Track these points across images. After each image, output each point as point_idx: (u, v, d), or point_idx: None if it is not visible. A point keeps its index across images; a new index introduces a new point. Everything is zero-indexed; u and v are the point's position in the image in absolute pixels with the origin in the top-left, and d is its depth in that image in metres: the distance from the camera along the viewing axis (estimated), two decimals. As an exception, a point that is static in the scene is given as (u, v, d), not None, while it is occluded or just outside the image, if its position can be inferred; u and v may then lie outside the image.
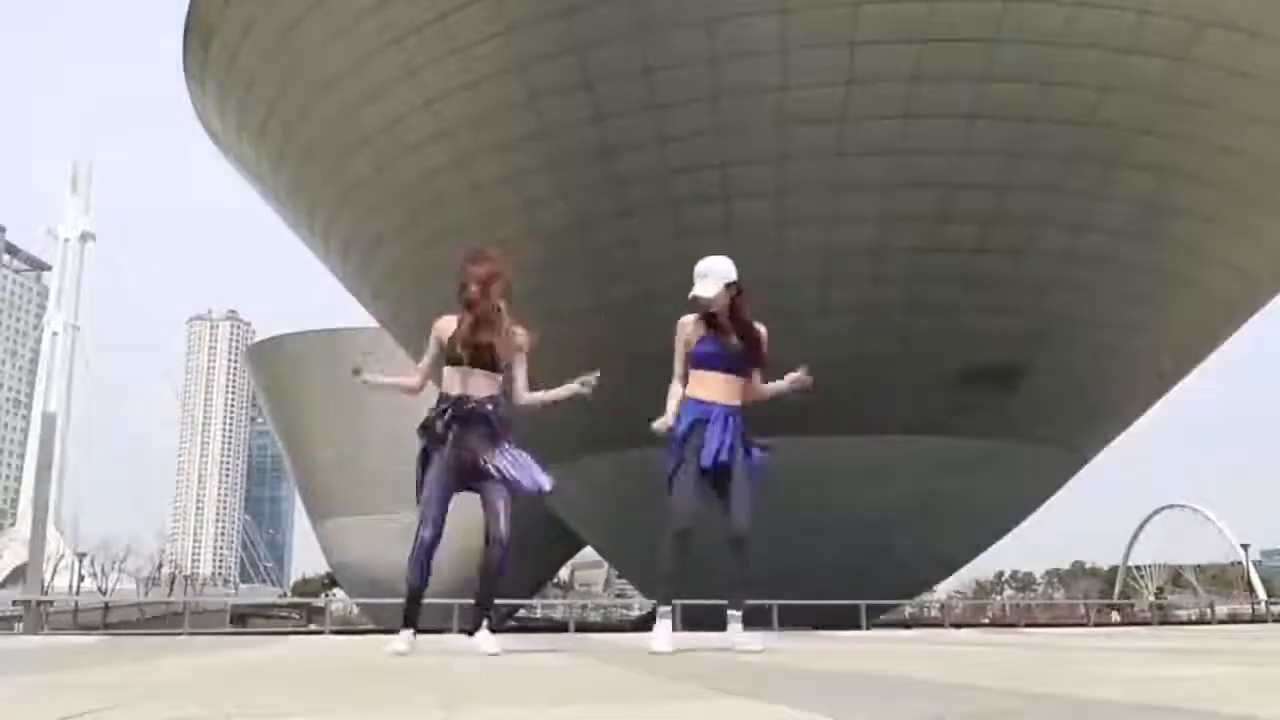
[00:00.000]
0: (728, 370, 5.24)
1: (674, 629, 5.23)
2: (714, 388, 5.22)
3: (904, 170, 20.90)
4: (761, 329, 5.31)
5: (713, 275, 5.17)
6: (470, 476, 5.19)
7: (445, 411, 5.17)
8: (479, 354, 5.17)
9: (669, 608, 5.13)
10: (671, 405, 5.25)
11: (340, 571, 64.49)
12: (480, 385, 5.20)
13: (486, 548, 5.19)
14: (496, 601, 5.40)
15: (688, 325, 5.27)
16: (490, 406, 5.19)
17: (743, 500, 5.18)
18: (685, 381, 5.28)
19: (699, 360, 5.24)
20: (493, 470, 5.12)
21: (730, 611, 5.28)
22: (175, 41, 26.24)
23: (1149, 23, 19.40)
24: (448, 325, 5.25)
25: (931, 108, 20.13)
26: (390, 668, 4.19)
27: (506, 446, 5.18)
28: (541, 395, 5.46)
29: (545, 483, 5.20)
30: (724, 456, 5.09)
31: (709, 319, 5.23)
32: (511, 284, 5.32)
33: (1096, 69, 19.86)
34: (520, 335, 5.33)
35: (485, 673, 3.78)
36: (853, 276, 22.24)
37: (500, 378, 5.28)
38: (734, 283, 5.20)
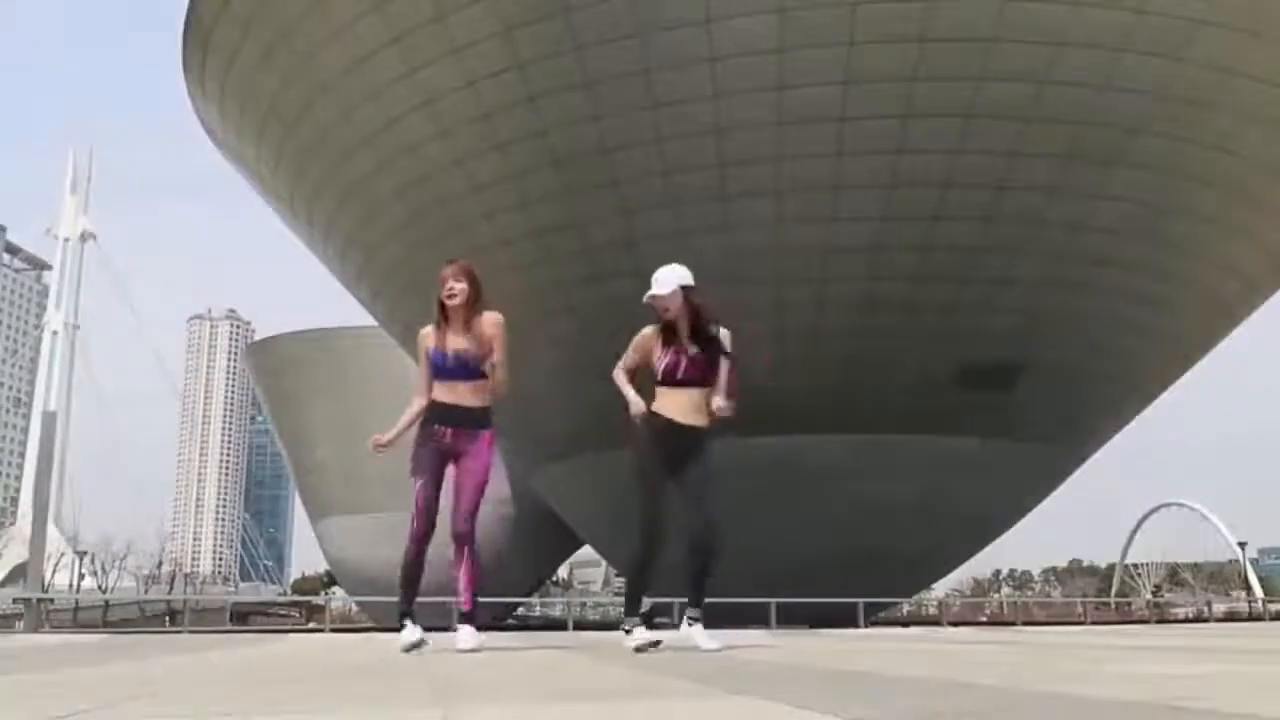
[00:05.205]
0: (690, 384, 5.10)
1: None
2: (680, 406, 5.09)
3: (902, 169, 20.90)
4: (723, 331, 5.17)
5: (665, 281, 5.06)
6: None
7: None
8: (460, 362, 5.14)
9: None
10: (629, 391, 5.15)
11: (339, 570, 64.44)
12: (465, 397, 5.20)
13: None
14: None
15: (647, 335, 5.17)
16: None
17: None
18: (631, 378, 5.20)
19: (664, 374, 5.10)
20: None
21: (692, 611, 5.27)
22: (175, 41, 26.25)
23: (1147, 22, 19.41)
24: (428, 336, 5.24)
25: (929, 107, 20.14)
26: (389, 666, 4.20)
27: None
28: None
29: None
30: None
31: (668, 330, 5.10)
32: (480, 287, 5.24)
33: (1095, 69, 19.86)
34: (489, 321, 5.19)
35: (483, 671, 3.78)
36: (851, 276, 22.24)
37: (486, 384, 5.21)
38: (689, 286, 5.06)
